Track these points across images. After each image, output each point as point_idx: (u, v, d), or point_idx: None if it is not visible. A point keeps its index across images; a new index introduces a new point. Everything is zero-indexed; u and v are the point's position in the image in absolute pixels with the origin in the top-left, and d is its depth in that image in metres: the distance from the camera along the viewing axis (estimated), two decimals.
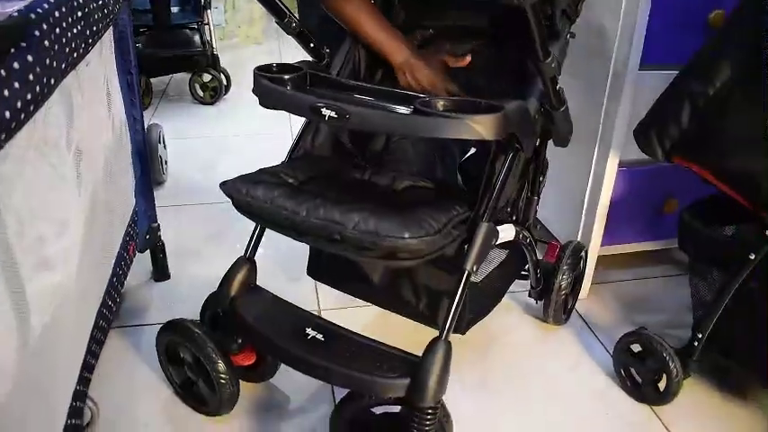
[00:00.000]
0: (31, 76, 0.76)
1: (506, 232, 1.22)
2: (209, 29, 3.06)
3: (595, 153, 1.67)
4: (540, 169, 1.38)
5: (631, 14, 1.50)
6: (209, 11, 3.04)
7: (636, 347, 1.43)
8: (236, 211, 1.16)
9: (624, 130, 1.60)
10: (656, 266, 1.94)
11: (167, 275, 1.79)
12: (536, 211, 1.43)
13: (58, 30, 0.87)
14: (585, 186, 1.72)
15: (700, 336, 1.31)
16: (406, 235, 0.99)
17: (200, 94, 3.13)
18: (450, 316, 1.08)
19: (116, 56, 1.38)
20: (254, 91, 1.11)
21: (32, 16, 0.80)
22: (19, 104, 0.72)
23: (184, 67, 3.10)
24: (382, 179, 1.30)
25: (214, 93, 3.12)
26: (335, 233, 1.03)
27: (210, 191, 2.26)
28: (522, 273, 1.56)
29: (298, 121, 1.32)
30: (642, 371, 1.42)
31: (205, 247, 1.95)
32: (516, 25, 1.01)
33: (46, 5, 0.85)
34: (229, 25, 4.08)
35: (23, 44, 0.75)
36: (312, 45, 1.35)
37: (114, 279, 1.32)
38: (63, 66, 0.91)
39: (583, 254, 1.65)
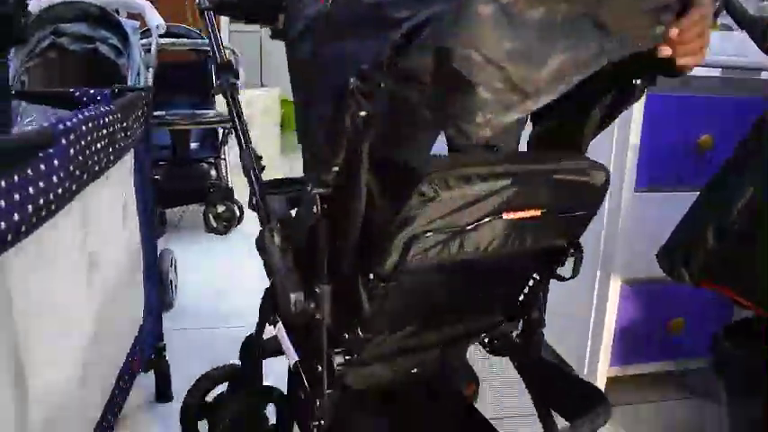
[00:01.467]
0: (54, 179, 0.81)
1: None
2: (225, 163, 3.21)
3: (598, 274, 1.69)
4: None
5: (623, 141, 1.59)
6: (226, 147, 3.21)
7: None
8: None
9: (625, 251, 1.64)
10: (664, 388, 1.89)
11: (170, 397, 1.77)
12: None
13: (83, 142, 0.94)
14: (590, 308, 1.72)
15: None
16: None
17: (214, 224, 3.23)
18: None
19: (134, 180, 1.46)
20: None
21: (61, 127, 0.87)
22: (41, 202, 0.77)
23: (200, 199, 3.22)
24: None
25: (228, 223, 3.22)
26: None
27: (217, 317, 2.28)
28: None
29: None
30: None
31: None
32: None
33: (75, 120, 0.93)
34: None
35: (51, 150, 0.82)
36: None
37: (116, 392, 1.30)
38: (84, 176, 0.97)
39: None
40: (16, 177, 0.70)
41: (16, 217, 0.70)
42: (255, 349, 1.28)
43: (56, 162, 0.82)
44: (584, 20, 0.72)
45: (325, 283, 0.88)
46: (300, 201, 0.91)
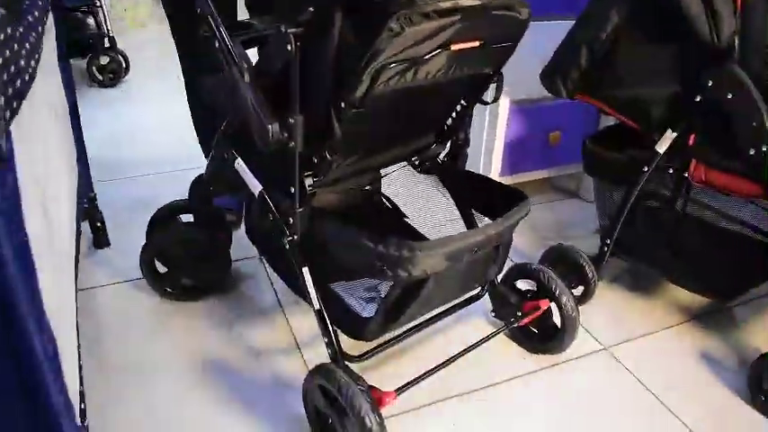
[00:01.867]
0: (34, 35, 0.88)
1: None
2: (103, 11, 3.06)
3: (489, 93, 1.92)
4: None
5: None
6: None
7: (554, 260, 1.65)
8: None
9: (513, 73, 1.86)
10: (546, 192, 2.24)
11: (108, 242, 1.87)
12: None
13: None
14: (483, 126, 1.97)
15: (608, 242, 1.58)
16: None
17: (99, 77, 3.13)
18: None
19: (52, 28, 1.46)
20: None
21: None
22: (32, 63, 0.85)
23: (80, 51, 3.09)
24: None
25: (113, 75, 3.13)
26: None
27: (132, 165, 2.34)
28: None
29: None
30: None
31: (138, 215, 2.03)
32: None
33: None
34: (115, 9, 4.04)
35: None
36: None
37: (77, 237, 1.41)
38: (42, 30, 1.02)
39: None
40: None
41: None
42: (206, 186, 1.42)
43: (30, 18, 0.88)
44: None
45: (298, 114, 0.99)
46: (259, 42, 1.02)
